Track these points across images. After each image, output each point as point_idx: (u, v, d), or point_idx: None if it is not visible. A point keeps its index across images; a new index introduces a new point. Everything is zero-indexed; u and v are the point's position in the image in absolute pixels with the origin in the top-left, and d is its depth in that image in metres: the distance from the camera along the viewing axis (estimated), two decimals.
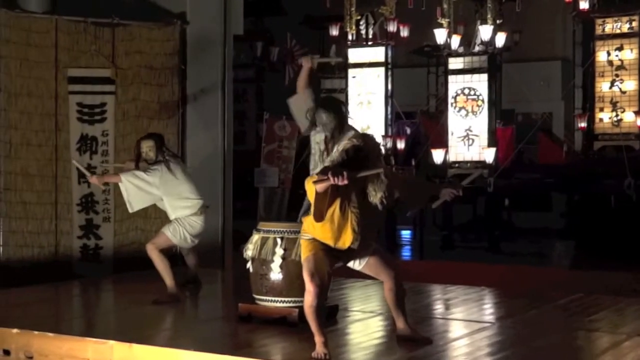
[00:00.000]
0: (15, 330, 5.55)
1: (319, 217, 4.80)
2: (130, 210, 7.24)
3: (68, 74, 9.02)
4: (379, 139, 5.73)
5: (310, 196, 4.81)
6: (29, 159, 8.83)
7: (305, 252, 4.95)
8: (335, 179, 4.47)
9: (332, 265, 5.00)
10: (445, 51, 17.61)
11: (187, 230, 7.09)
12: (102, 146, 9.12)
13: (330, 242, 4.89)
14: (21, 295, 7.39)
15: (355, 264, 5.16)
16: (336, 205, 4.81)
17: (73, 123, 9.06)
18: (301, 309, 5.13)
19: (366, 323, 6.18)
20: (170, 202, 7.10)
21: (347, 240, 4.87)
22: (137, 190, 7.02)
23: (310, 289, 4.82)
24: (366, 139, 4.89)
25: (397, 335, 5.32)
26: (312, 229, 4.92)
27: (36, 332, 5.50)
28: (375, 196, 4.85)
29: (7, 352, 5.53)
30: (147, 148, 7.09)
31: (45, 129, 8.93)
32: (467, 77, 17.33)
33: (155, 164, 7.05)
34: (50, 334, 5.47)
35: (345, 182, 4.49)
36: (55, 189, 8.93)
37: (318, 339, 4.85)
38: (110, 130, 9.16)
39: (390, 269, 5.14)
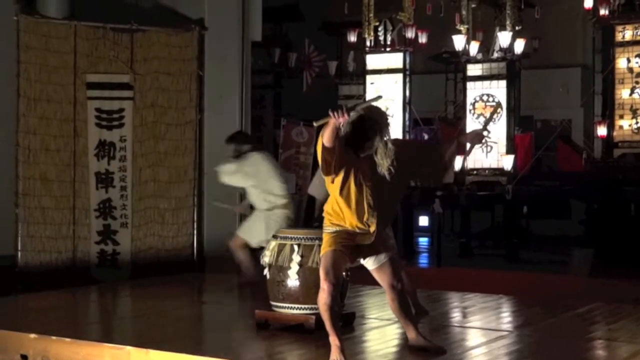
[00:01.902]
0: (32, 336, 5.56)
1: (326, 171, 4.82)
2: (220, 179, 7.85)
3: (87, 79, 9.06)
4: None
5: (320, 152, 4.81)
6: (48, 164, 8.87)
7: (325, 247, 4.95)
8: (335, 114, 4.52)
9: (353, 261, 5.00)
10: (464, 57, 17.58)
11: (275, 223, 7.48)
12: (119, 152, 9.14)
13: (351, 222, 4.89)
14: (39, 300, 7.41)
15: (370, 262, 5.10)
16: (351, 180, 4.85)
17: (91, 128, 9.09)
18: (318, 315, 5.10)
19: (383, 330, 6.15)
20: (262, 188, 7.75)
21: (364, 215, 4.88)
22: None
23: (323, 286, 4.81)
24: (372, 109, 4.90)
25: (409, 345, 5.24)
26: (334, 213, 4.94)
27: (54, 338, 5.50)
28: (383, 164, 4.86)
29: (24, 357, 5.53)
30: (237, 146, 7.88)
31: (64, 134, 8.97)
32: (486, 83, 17.30)
33: (251, 151, 7.82)
34: (68, 340, 5.46)
35: (346, 117, 4.54)
36: (73, 194, 8.96)
37: (333, 340, 4.81)
38: (128, 135, 9.18)
39: (394, 279, 5.07)
